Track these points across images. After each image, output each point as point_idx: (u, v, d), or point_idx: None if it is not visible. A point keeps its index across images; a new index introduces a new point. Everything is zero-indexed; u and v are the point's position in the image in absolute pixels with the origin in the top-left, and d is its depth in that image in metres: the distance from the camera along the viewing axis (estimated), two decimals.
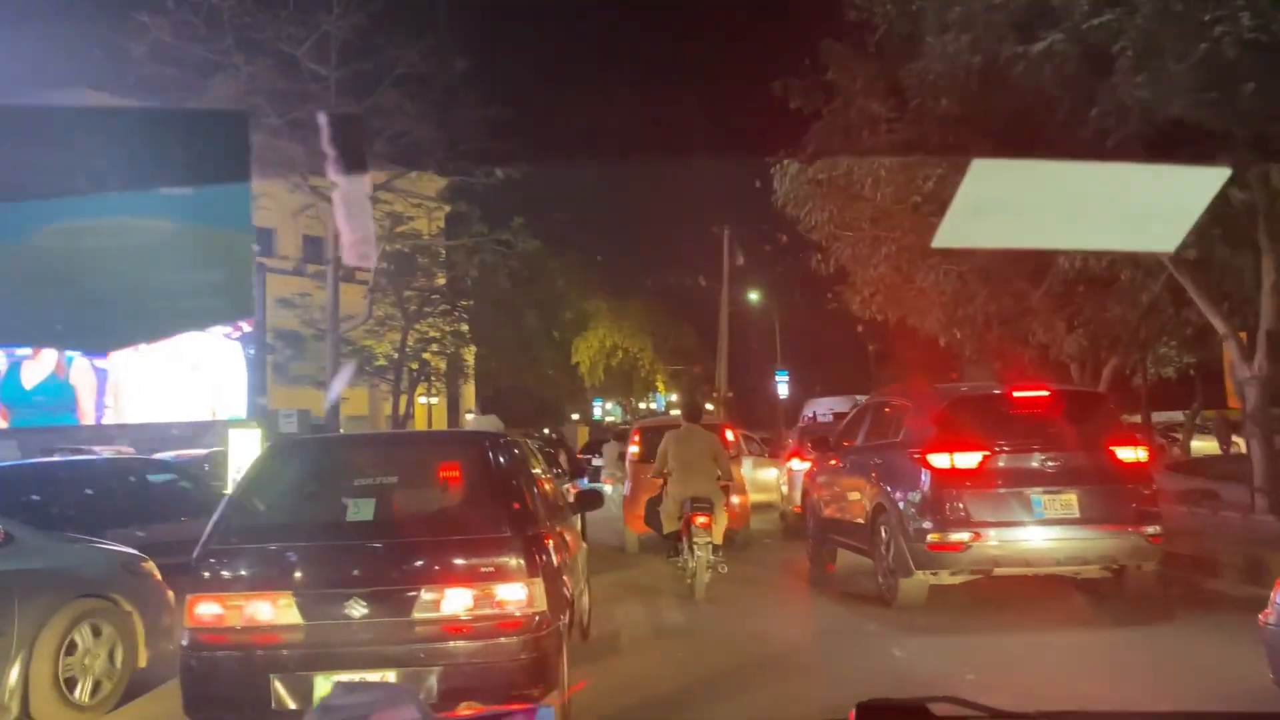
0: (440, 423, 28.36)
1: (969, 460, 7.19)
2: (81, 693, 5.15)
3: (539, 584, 4.23)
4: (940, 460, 7.24)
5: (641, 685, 5.61)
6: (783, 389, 36.31)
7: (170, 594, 5.76)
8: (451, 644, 4.12)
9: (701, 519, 8.10)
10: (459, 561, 4.23)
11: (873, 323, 15.88)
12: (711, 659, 6.25)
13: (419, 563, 4.26)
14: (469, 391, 30.07)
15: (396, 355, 22.53)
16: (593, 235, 33.81)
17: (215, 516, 4.52)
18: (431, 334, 22.80)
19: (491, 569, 4.19)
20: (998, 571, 7.18)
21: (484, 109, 18.76)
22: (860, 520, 8.20)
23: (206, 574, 4.24)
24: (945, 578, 7.27)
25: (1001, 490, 7.09)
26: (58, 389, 21.94)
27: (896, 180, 11.66)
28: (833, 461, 9.39)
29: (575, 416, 37.81)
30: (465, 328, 23.87)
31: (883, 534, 7.69)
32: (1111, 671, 5.62)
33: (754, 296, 40.41)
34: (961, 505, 7.08)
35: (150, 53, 16.72)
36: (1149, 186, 2.84)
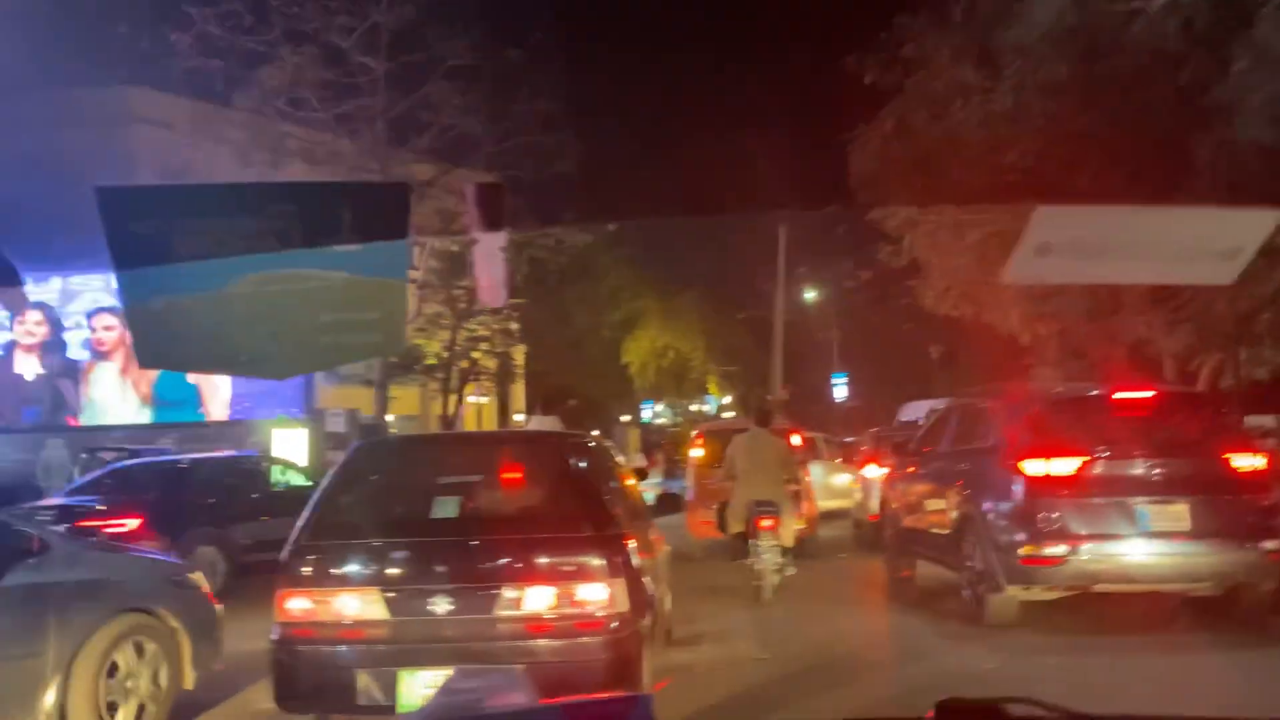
0: (489, 424, 28.36)
1: (1067, 467, 6.84)
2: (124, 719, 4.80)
3: (620, 584, 4.32)
4: (1035, 467, 6.91)
5: (717, 686, 5.68)
6: (840, 391, 35.83)
7: (220, 608, 5.57)
8: (533, 643, 4.26)
9: (767, 522, 8.27)
10: (541, 560, 4.33)
11: (943, 322, 15.38)
12: (785, 663, 6.31)
13: (502, 561, 4.38)
14: (518, 391, 30.03)
15: (446, 354, 22.49)
16: (645, 231, 33.61)
17: (304, 514, 4.69)
18: (481, 332, 22.75)
19: (573, 568, 4.30)
20: (1097, 588, 6.83)
21: (535, 102, 18.61)
22: (945, 531, 7.89)
23: (296, 570, 4.44)
24: (1037, 593, 6.95)
25: (1103, 500, 6.72)
26: None
27: (989, 159, 11.09)
28: (914, 468, 9.08)
29: (625, 418, 37.66)
30: (515, 326, 23.77)
31: (970, 546, 7.38)
32: (1218, 699, 5.22)
33: (811, 296, 39.86)
34: (1058, 516, 6.73)
35: (196, 44, 16.83)
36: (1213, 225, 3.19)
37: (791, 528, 8.64)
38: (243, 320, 1.51)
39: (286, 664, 4.38)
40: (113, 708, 4.76)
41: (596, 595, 4.25)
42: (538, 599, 4.24)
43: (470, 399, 24.67)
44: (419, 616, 4.25)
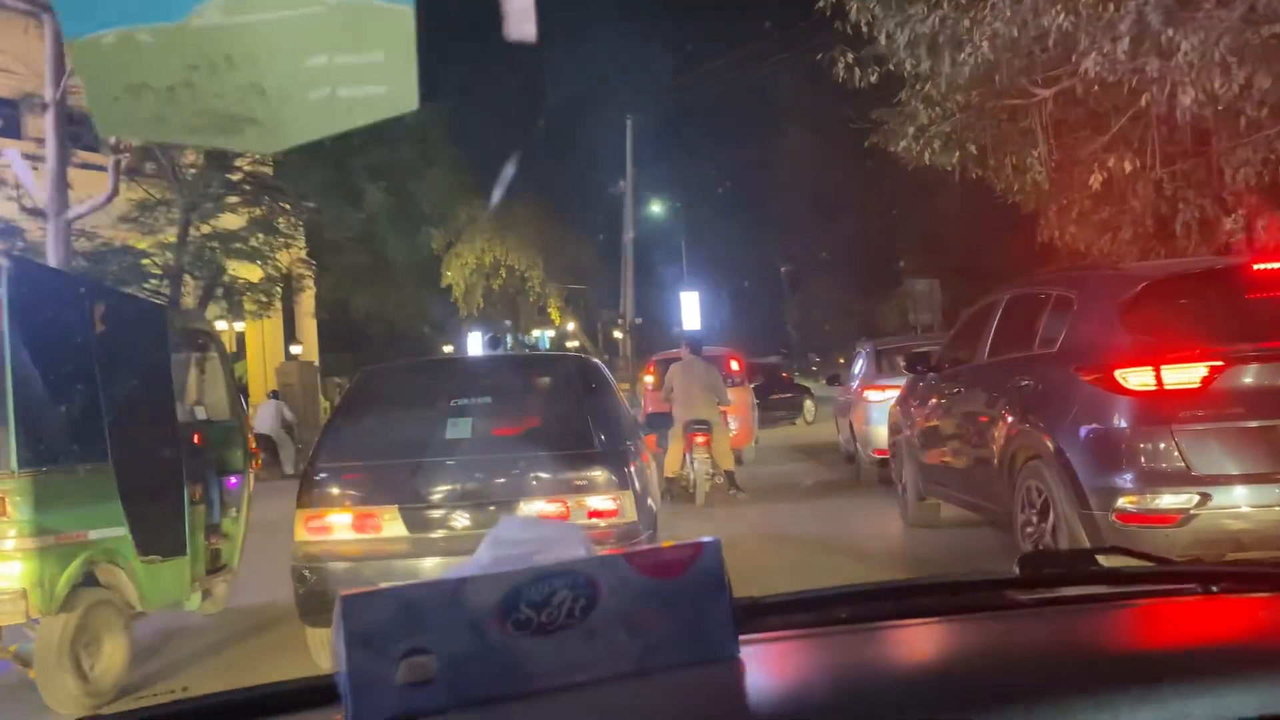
0: (262, 357, 26.25)
1: (1187, 376, 5.90)
2: None
3: (629, 496, 5.78)
4: (1138, 378, 5.97)
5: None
6: (690, 313, 36.64)
7: None
8: None
9: (700, 439, 12.18)
10: (553, 475, 5.74)
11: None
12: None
13: (515, 476, 5.85)
14: (305, 312, 27.85)
15: (171, 258, 20.23)
16: (463, 119, 31.70)
17: (319, 439, 6.37)
18: (228, 225, 20.64)
19: (584, 482, 5.75)
20: (1231, 556, 5.94)
21: None
22: (989, 470, 7.18)
23: (315, 491, 5.88)
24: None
25: (1244, 425, 5.80)
26: None
27: None
28: (940, 386, 8.46)
29: (448, 349, 36.66)
30: (283, 221, 21.69)
31: (1030, 493, 6.55)
32: None
33: (658, 208, 40.60)
34: (1176, 450, 5.80)
35: None
36: None
37: (726, 445, 12.55)
38: (213, 65, 1.25)
39: (309, 581, 5.74)
40: None
41: (606, 506, 5.71)
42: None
43: (220, 324, 22.44)
44: (436, 532, 5.74)
